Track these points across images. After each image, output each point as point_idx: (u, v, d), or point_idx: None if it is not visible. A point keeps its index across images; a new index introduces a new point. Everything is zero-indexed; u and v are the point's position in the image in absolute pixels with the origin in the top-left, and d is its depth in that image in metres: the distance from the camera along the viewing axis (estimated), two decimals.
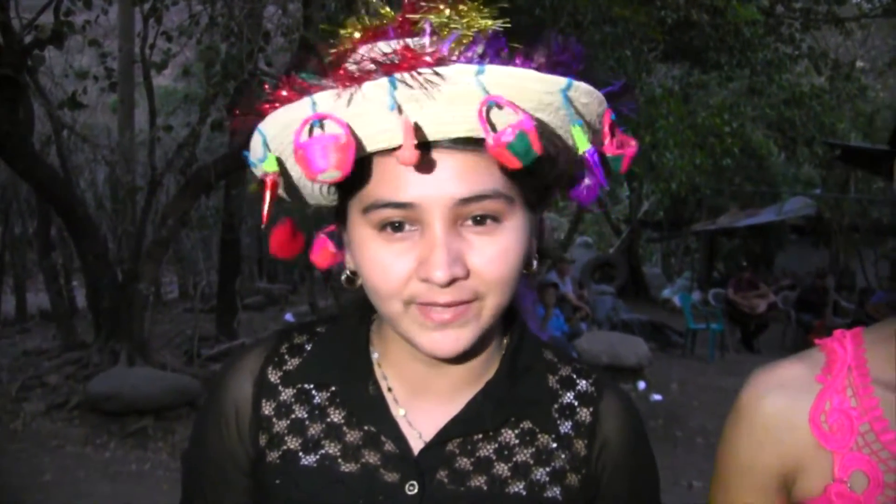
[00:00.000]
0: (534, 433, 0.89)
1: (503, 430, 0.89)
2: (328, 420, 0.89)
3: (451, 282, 0.75)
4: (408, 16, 0.75)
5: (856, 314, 11.58)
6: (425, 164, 0.74)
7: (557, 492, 0.88)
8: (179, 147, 7.90)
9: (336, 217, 0.88)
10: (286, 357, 0.93)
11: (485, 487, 0.86)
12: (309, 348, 0.93)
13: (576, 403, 0.91)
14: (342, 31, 0.78)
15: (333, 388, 0.90)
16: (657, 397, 7.95)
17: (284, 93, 0.75)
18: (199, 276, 13.76)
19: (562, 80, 0.73)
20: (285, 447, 0.89)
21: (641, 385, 8.32)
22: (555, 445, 0.89)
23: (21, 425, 6.18)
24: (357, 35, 0.77)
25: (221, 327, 9.46)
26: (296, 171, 0.82)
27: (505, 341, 0.93)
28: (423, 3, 0.75)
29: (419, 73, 0.69)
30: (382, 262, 0.77)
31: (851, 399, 0.90)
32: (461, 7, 0.75)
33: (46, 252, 9.28)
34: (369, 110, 0.72)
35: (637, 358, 8.52)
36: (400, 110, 0.71)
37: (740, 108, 10.07)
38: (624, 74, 8.09)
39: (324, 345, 0.93)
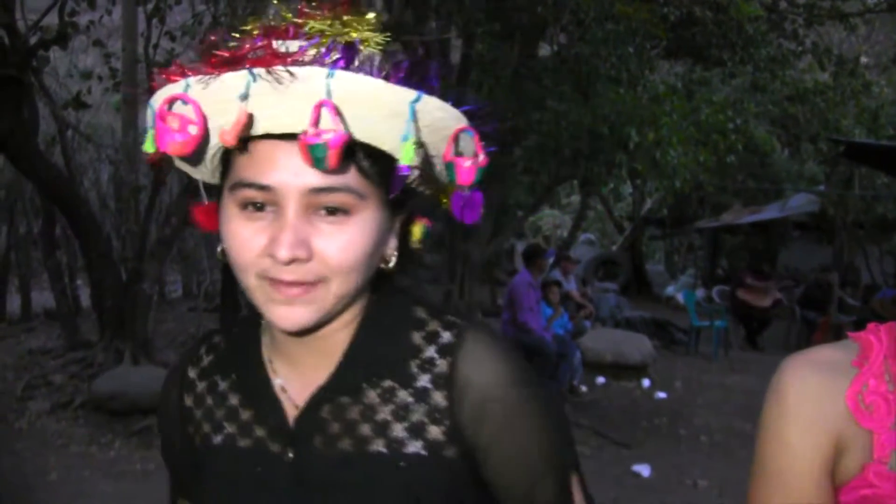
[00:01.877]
0: (393, 390, 0.92)
1: (366, 392, 0.92)
2: (228, 404, 0.99)
3: (294, 261, 0.82)
4: (298, 20, 0.83)
5: (861, 311, 11.56)
6: (285, 153, 0.82)
7: (419, 446, 0.90)
8: None
9: (217, 193, 0.94)
10: (203, 356, 1.05)
11: (350, 449, 0.91)
12: (221, 345, 1.05)
13: (436, 356, 0.92)
14: (244, 28, 0.85)
15: (233, 376, 1.00)
16: (661, 395, 7.95)
17: (172, 73, 0.82)
18: (203, 275, 13.78)
19: (411, 93, 0.79)
20: (203, 431, 1.00)
21: (646, 383, 8.32)
22: (411, 400, 0.91)
23: (26, 424, 6.20)
24: (255, 33, 0.83)
25: None
26: None
27: (367, 309, 0.97)
28: (309, 11, 0.83)
29: (274, 70, 0.76)
30: (241, 237, 0.85)
31: (889, 384, 0.90)
32: (346, 17, 0.82)
33: (51, 251, 9.29)
34: (228, 98, 0.78)
35: (641, 355, 8.52)
36: (245, 99, 0.78)
37: (744, 104, 10.04)
38: (627, 71, 8.08)
39: (230, 339, 1.05)
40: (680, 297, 14.70)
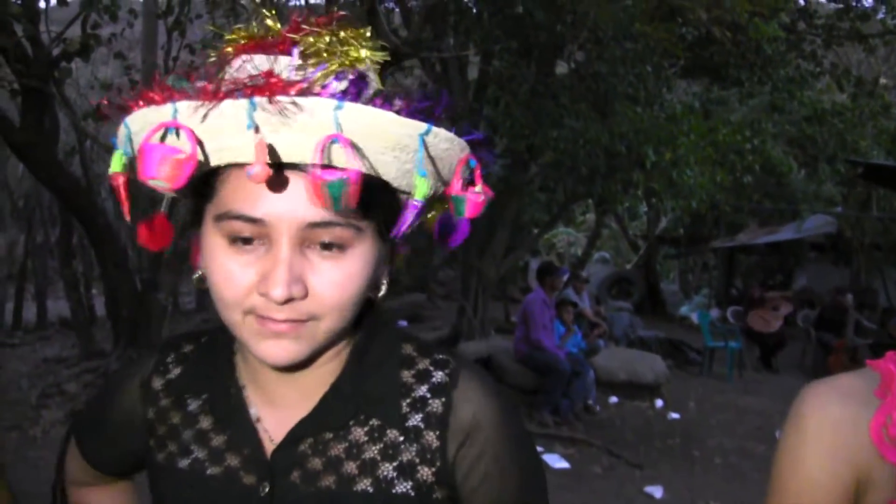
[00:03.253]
0: (382, 429, 0.89)
1: (353, 429, 0.89)
2: (197, 427, 0.94)
3: (289, 300, 0.77)
4: (289, 35, 0.77)
5: (878, 335, 11.43)
6: (279, 184, 0.76)
7: (408, 486, 0.87)
8: None
9: (193, 218, 0.88)
10: (170, 366, 0.99)
11: (333, 487, 0.87)
12: (191, 358, 0.99)
13: (428, 396, 0.90)
14: (227, 37, 0.80)
15: (205, 396, 0.95)
16: (674, 416, 7.88)
17: (152, 94, 0.76)
18: None
19: (421, 126, 0.75)
20: (167, 450, 0.95)
21: (659, 403, 8.26)
22: (402, 439, 0.88)
23: (40, 432, 6.22)
24: (242, 42, 0.79)
25: None
26: None
27: (353, 343, 0.94)
28: (305, 25, 0.77)
29: (278, 101, 0.70)
30: (228, 272, 0.79)
31: None
32: (342, 34, 0.77)
33: (67, 260, 9.36)
34: (227, 126, 0.73)
35: (654, 375, 8.45)
36: (257, 129, 0.72)
37: (761, 124, 10.01)
38: (644, 90, 8.08)
39: (202, 354, 0.99)
40: (694, 317, 14.61)
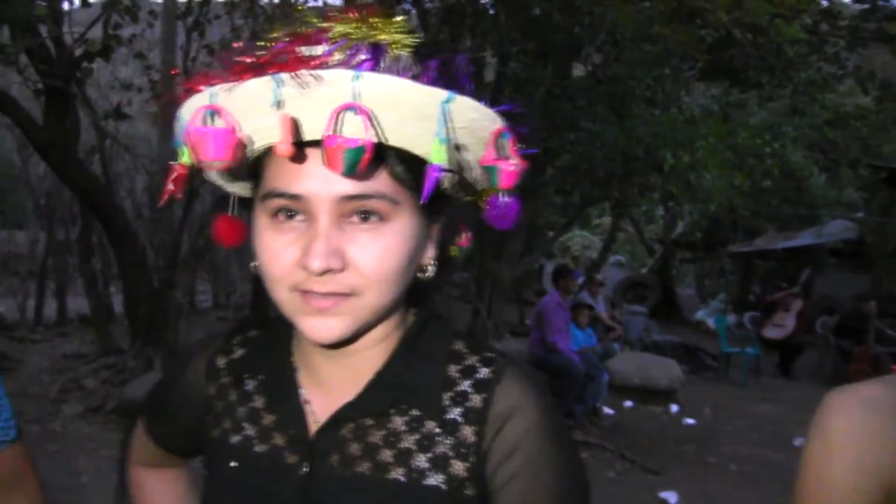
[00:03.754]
0: (421, 420, 0.89)
1: (393, 417, 0.90)
2: (251, 405, 0.97)
3: (328, 272, 0.79)
4: (325, 25, 0.80)
5: None
6: (314, 160, 0.79)
7: (440, 479, 0.86)
8: None
9: (249, 205, 0.92)
10: (235, 347, 1.03)
11: (368, 473, 0.88)
12: (254, 341, 1.03)
13: (470, 391, 0.89)
14: (271, 34, 0.82)
15: (262, 377, 0.98)
16: (690, 421, 7.82)
17: (195, 83, 0.80)
18: (233, 286, 13.93)
19: (442, 93, 0.75)
20: (222, 426, 0.98)
21: (674, 408, 8.20)
22: (438, 431, 0.88)
23: (60, 427, 6.30)
24: (287, 39, 0.81)
25: None
26: None
27: (403, 331, 0.95)
28: (337, 14, 0.80)
29: (298, 74, 0.73)
30: (273, 249, 0.83)
31: None
32: (372, 20, 0.79)
33: (87, 258, 9.45)
34: (255, 106, 0.76)
35: (670, 380, 8.39)
36: (280, 106, 0.75)
37: (781, 128, 9.93)
38: (662, 93, 8.04)
39: (264, 338, 1.02)
40: (710, 322, 14.52)
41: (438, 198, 0.84)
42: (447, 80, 0.78)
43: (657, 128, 7.43)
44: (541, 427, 0.89)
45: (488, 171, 0.81)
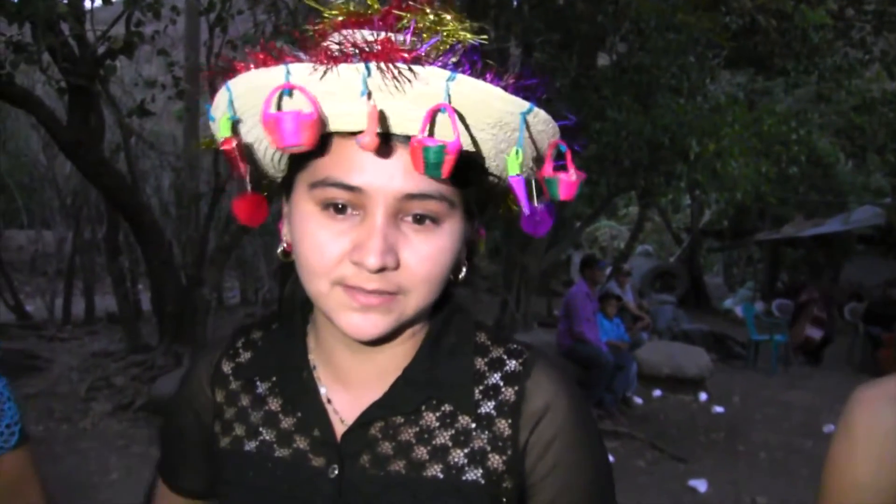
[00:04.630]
0: (454, 415, 0.88)
1: (424, 414, 0.89)
2: (266, 408, 0.94)
3: (381, 270, 0.77)
4: (393, 11, 0.77)
5: None
6: (380, 154, 0.77)
7: (479, 474, 0.86)
8: None
9: (281, 187, 0.90)
10: (240, 351, 1.00)
11: (403, 472, 0.87)
12: (260, 343, 0.99)
13: (501, 384, 0.89)
14: (327, 13, 0.80)
15: (274, 379, 0.95)
16: (719, 409, 7.78)
17: (261, 56, 0.76)
18: (260, 282, 14.00)
19: (524, 104, 0.75)
20: (234, 433, 0.95)
21: (703, 396, 8.16)
22: (474, 426, 0.88)
23: (90, 424, 6.37)
24: (340, 18, 0.78)
25: None
26: (251, 136, 0.83)
27: (429, 327, 0.93)
28: (409, 3, 0.77)
29: (395, 67, 0.70)
30: (319, 240, 0.80)
31: None
32: (444, 16, 0.77)
33: (114, 256, 9.53)
34: (340, 91, 0.73)
35: (698, 369, 8.36)
36: (370, 96, 0.72)
37: (807, 114, 9.81)
38: (687, 81, 7.96)
39: (272, 339, 0.98)
40: (739, 311, 14.40)
41: (484, 202, 0.87)
42: (526, 89, 0.78)
43: (683, 116, 7.37)
44: (573, 421, 0.90)
45: (549, 183, 0.80)
